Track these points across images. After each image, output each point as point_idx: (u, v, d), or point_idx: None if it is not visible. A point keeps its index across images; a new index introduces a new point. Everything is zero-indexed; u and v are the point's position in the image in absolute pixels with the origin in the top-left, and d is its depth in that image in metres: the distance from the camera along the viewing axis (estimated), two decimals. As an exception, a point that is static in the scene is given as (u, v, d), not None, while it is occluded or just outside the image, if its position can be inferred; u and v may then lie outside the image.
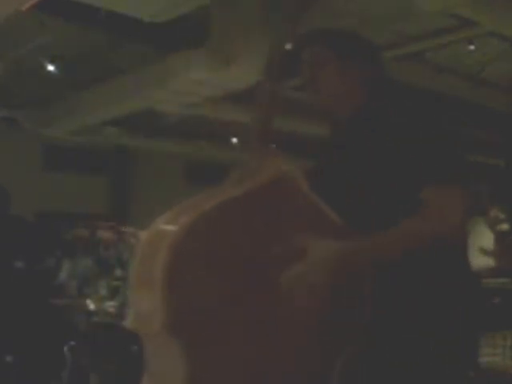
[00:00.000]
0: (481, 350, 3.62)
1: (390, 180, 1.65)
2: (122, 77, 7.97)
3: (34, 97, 9.48)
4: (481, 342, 2.55)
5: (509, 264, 6.10)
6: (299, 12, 1.75)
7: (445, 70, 8.64)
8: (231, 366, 1.56)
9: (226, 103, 8.34)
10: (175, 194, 1.58)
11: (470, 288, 1.75)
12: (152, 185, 12.14)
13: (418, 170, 1.62)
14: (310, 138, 6.67)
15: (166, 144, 11.54)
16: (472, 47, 7.53)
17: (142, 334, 1.61)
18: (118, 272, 5.67)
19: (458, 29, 6.96)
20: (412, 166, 1.62)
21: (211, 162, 12.01)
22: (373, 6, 5.86)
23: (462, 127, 9.17)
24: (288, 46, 1.74)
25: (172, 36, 7.07)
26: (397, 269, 1.65)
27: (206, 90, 7.55)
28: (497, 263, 6.23)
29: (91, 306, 5.11)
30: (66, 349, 4.91)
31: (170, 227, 1.55)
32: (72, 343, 4.95)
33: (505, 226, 6.56)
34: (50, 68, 7.97)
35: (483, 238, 6.37)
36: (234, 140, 11.51)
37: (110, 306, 4.96)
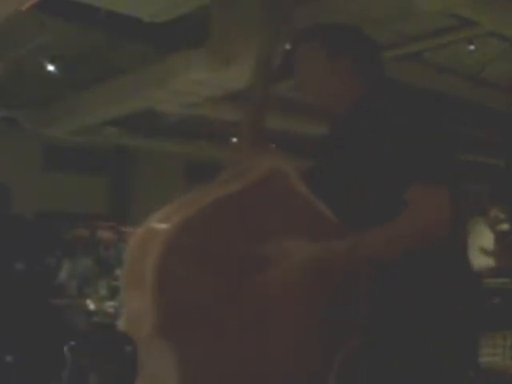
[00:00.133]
0: (481, 350, 3.61)
1: (386, 179, 1.65)
2: (121, 77, 7.96)
3: (34, 97, 9.47)
4: (481, 341, 2.54)
5: (509, 264, 6.10)
6: (287, 12, 1.74)
7: (445, 70, 8.63)
8: (226, 365, 1.55)
9: (225, 103, 8.33)
10: (175, 194, 1.57)
11: (470, 288, 1.75)
12: (152, 185, 12.13)
13: (407, 170, 1.61)
14: (310, 137, 6.66)
15: (166, 144, 11.53)
16: (472, 47, 7.51)
17: (134, 335, 1.58)
18: (118, 272, 5.65)
19: (458, 29, 6.95)
20: (402, 165, 1.62)
21: (211, 162, 11.93)
22: (373, 6, 5.86)
23: (462, 127, 9.18)
24: (285, 46, 1.74)
25: (172, 36, 7.06)
26: (397, 269, 1.64)
27: (206, 90, 7.55)
28: (497, 263, 6.22)
29: (91, 306, 5.11)
30: (65, 349, 4.91)
31: (163, 225, 1.54)
32: (72, 343, 4.95)
33: (505, 226, 6.56)
34: (50, 68, 7.96)
35: (483, 238, 6.36)
36: (234, 140, 11.47)
37: (110, 306, 4.95)
